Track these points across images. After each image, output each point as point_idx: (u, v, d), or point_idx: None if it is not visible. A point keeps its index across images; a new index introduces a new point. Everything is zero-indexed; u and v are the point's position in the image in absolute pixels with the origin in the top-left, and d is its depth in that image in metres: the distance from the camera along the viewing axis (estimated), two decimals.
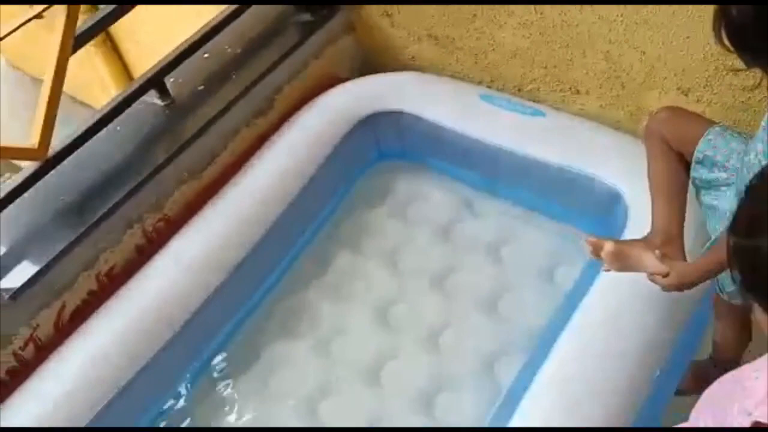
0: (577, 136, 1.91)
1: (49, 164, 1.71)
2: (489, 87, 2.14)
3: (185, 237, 1.81)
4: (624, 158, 1.82)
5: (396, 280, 1.93)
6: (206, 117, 1.93)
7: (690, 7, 1.63)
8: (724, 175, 1.36)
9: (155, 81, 1.91)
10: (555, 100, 2.05)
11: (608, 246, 1.34)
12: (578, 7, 1.79)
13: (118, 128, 1.89)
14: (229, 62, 2.06)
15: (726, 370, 0.94)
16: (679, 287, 1.29)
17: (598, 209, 1.86)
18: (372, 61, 2.30)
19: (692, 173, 1.41)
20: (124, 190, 1.77)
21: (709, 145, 1.37)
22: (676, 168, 1.43)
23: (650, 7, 1.69)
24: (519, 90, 2.10)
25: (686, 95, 1.80)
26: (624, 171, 1.79)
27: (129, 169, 1.82)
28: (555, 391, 1.46)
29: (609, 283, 1.55)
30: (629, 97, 1.91)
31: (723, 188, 1.37)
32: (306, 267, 1.98)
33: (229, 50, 2.09)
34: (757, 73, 1.15)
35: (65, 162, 1.75)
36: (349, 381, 1.74)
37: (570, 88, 2.00)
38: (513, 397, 1.54)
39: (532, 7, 1.87)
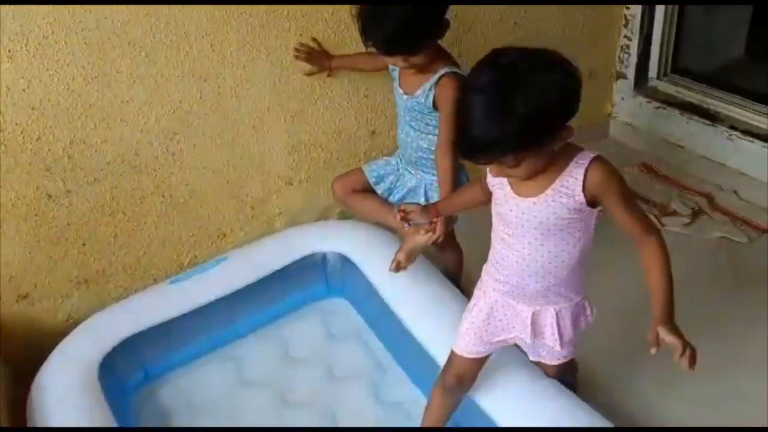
0: (270, 244, 2.33)
1: None
2: (155, 283, 2.28)
3: None
4: (320, 234, 2.37)
5: None
6: None
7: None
8: (389, 168, 2.13)
9: None
10: (210, 254, 2.37)
11: (401, 256, 1.92)
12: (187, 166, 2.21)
13: None
14: None
15: None
16: (449, 225, 1.96)
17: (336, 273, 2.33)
18: (31, 352, 2.09)
19: (380, 193, 2.13)
20: None
21: (370, 173, 2.14)
22: (372, 195, 2.15)
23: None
24: (180, 269, 2.33)
25: (291, 184, 2.45)
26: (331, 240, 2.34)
27: None
28: None
29: None
30: (257, 209, 2.42)
31: (398, 178, 2.11)
32: None
33: None
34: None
35: None
36: None
37: (217, 236, 2.37)
38: None
39: (158, 192, 2.17)
